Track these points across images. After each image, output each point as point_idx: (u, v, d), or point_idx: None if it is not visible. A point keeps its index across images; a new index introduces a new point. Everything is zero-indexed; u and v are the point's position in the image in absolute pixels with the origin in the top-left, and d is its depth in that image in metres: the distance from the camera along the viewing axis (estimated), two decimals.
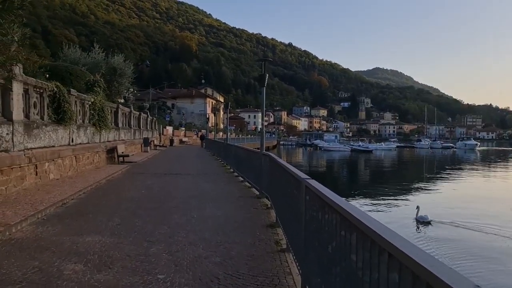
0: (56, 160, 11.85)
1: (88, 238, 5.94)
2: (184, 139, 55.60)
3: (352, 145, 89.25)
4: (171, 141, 47.69)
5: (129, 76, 26.19)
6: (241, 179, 13.81)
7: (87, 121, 15.59)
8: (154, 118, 39.99)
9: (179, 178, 14.06)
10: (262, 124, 10.39)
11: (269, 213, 8.07)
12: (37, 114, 10.97)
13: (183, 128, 59.12)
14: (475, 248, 12.39)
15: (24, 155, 9.75)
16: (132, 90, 29.29)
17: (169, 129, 50.63)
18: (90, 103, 15.69)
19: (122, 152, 19.77)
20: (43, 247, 5.46)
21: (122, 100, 29.02)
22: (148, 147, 29.98)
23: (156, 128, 41.25)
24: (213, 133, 50.83)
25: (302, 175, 4.17)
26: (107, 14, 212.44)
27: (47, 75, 13.80)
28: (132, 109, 25.86)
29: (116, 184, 12.22)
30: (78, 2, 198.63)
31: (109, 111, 19.16)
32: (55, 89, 11.82)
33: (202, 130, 62.50)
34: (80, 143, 14.42)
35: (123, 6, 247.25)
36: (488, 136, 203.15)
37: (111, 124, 19.66)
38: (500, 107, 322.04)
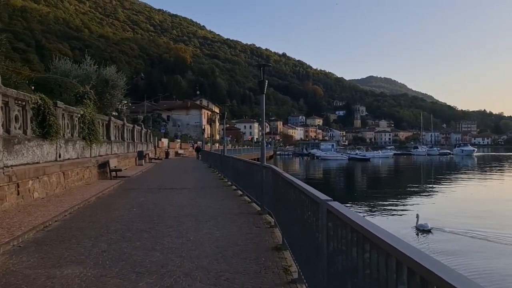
0: (41, 177, 11.02)
1: (67, 270, 5.12)
2: (180, 151, 54.77)
3: (349, 153, 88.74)
4: (167, 153, 46.86)
5: (122, 87, 25.43)
6: (240, 193, 13.02)
7: (77, 135, 14.78)
8: (149, 131, 39.19)
9: (174, 193, 13.24)
10: (263, 134, 9.62)
11: (273, 233, 7.28)
12: (19, 128, 10.17)
13: (179, 140, 58.28)
14: (478, 257, 12.10)
15: (4, 173, 8.93)
16: (125, 102, 28.53)
17: (164, 141, 49.80)
18: (79, 115, 14.90)
19: (115, 167, 18.93)
20: (11, 284, 4.64)
21: (116, 113, 28.28)
22: (143, 161, 29.15)
23: (151, 140, 40.42)
24: (209, 144, 50.05)
25: (321, 196, 3.39)
26: (101, 27, 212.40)
27: (33, 87, 13.01)
28: (126, 121, 25.08)
29: (106, 201, 11.38)
30: (72, 16, 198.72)
31: (100, 124, 18.36)
32: (40, 101, 11.04)
33: (198, 142, 61.64)
34: (68, 159, 13.60)
35: (117, 20, 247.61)
36: (483, 142, 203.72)
37: (103, 138, 18.86)
38: (494, 113, 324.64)
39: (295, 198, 4.83)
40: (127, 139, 25.54)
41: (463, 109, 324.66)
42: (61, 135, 12.76)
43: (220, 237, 6.95)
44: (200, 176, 20.54)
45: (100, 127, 18.29)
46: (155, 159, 39.87)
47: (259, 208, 9.75)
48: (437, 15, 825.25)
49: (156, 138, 45.33)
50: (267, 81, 9.28)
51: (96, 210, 9.94)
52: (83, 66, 25.00)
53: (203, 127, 63.79)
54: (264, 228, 7.69)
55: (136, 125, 29.35)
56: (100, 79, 24.01)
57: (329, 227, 3.07)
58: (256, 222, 8.26)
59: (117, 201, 11.46)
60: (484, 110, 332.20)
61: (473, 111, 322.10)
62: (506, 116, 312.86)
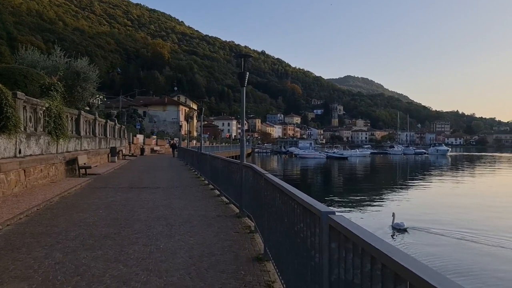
0: None
1: None
2: (156, 148, 53.40)
3: (327, 152, 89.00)
4: (142, 150, 45.51)
5: (94, 81, 24.14)
6: (218, 193, 12.26)
7: (41, 129, 13.68)
8: (123, 126, 37.82)
9: (147, 193, 12.36)
10: (243, 130, 8.87)
11: (253, 239, 6.56)
12: None
13: (155, 137, 56.82)
14: (452, 257, 12.17)
15: None
16: (98, 96, 27.27)
17: (140, 137, 48.36)
18: (44, 108, 13.79)
19: (84, 164, 17.83)
20: None
21: (87, 108, 27.00)
22: (116, 157, 27.96)
23: (125, 136, 39.07)
24: (186, 141, 48.90)
25: (321, 206, 2.68)
26: (76, 20, 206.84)
27: None
28: (97, 116, 23.87)
29: (70, 202, 10.41)
30: (45, 8, 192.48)
31: (69, 118, 17.23)
32: None
33: (175, 139, 60.30)
34: (31, 155, 12.51)
35: (93, 13, 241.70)
36: (456, 142, 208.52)
37: (72, 133, 17.73)
38: (466, 114, 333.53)
39: (282, 203, 4.12)
40: (99, 135, 24.34)
41: (437, 110, 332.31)
42: (22, 129, 11.68)
43: (194, 244, 6.19)
44: (176, 174, 19.63)
45: (69, 121, 17.17)
46: (130, 155, 38.57)
47: (237, 210, 9.03)
48: (412, 18, 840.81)
49: (131, 134, 43.91)
50: (248, 73, 8.55)
51: (57, 212, 8.99)
52: (52, 58, 23.63)
53: (180, 124, 62.39)
54: (243, 234, 6.96)
55: (109, 121, 28.11)
56: (71, 71, 22.71)
57: (332, 249, 2.36)
58: (235, 227, 7.53)
59: (83, 201, 10.51)
60: (457, 111, 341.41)
61: (447, 112, 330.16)
62: (478, 117, 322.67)
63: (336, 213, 2.47)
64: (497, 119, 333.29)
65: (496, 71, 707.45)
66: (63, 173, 15.55)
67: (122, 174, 19.07)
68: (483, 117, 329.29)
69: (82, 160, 17.59)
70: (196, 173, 19.77)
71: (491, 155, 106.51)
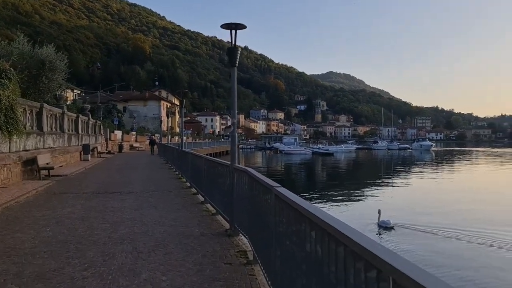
0: None
1: None
2: (135, 144, 50.93)
3: (313, 148, 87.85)
4: (120, 147, 43.02)
5: (63, 70, 21.70)
6: (202, 198, 10.27)
7: None
8: (99, 122, 35.28)
9: (116, 200, 10.25)
10: (234, 123, 6.80)
11: (253, 275, 4.61)
12: None
13: (134, 133, 54.22)
14: (440, 255, 12.06)
15: None
16: (66, 88, 24.86)
17: (118, 133, 45.78)
18: None
19: (47, 163, 15.55)
20: None
21: (56, 101, 24.50)
22: (89, 155, 25.58)
23: (101, 133, 36.55)
24: (167, 137, 46.55)
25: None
26: (53, 14, 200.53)
27: None
28: (66, 109, 21.50)
29: (13, 215, 8.22)
30: (21, 1, 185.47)
31: (28, 112, 14.91)
32: None
33: (156, 135, 57.72)
34: None
35: (71, 7, 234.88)
36: (437, 137, 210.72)
37: (32, 128, 15.41)
38: (445, 109, 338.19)
39: (296, 229, 2.21)
40: (68, 131, 21.98)
41: (418, 105, 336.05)
42: None
43: None
44: (154, 175, 17.49)
45: (27, 115, 14.85)
46: (107, 153, 36.12)
47: (227, 225, 7.06)
48: (392, 15, 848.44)
49: (108, 130, 41.40)
50: (240, 50, 6.57)
51: None
52: (14, 45, 21.08)
53: (161, 119, 59.78)
54: (238, 266, 4.99)
55: (81, 115, 25.68)
56: (35, 59, 20.23)
57: None
58: (225, 253, 5.54)
59: (31, 214, 8.35)
60: (437, 106, 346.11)
61: (427, 107, 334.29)
62: (456, 112, 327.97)
63: None
64: (474, 114, 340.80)
65: (474, 68, 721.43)
66: (18, 175, 13.28)
67: (92, 175, 16.84)
68: (462, 112, 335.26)
69: (44, 159, 15.30)
70: (177, 173, 17.69)
71: (470, 150, 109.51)
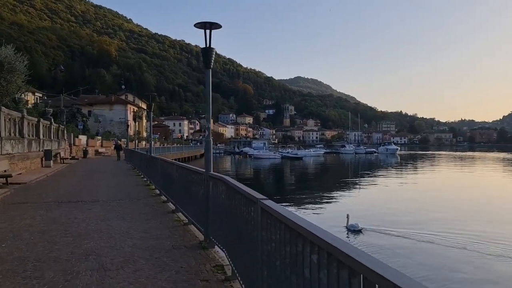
0: None
1: None
2: (101, 149, 49.33)
3: (282, 152, 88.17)
4: (85, 152, 41.50)
5: (23, 72, 20.57)
6: (172, 207, 9.79)
7: None
8: (62, 126, 33.85)
9: (80, 209, 9.61)
10: (208, 128, 6.39)
11: None
12: None
13: (100, 137, 52.55)
14: (407, 257, 12.34)
15: None
16: (25, 91, 23.72)
17: (83, 138, 44.20)
18: None
19: (5, 171, 14.56)
20: None
21: (26, 108, 23.24)
22: (51, 161, 24.38)
23: (65, 138, 35.10)
24: (134, 142, 45.34)
25: None
26: (14, 15, 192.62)
27: None
28: (26, 113, 20.38)
29: None
30: None
31: None
32: None
33: (122, 139, 56.15)
34: None
35: (33, 7, 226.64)
36: (401, 141, 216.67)
37: None
38: (409, 114, 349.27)
39: (301, 253, 1.88)
40: (29, 136, 20.83)
41: (383, 110, 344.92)
42: None
43: None
44: (121, 182, 16.76)
45: None
46: (71, 158, 34.73)
47: (201, 237, 6.65)
48: (356, 21, 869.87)
49: (72, 135, 39.85)
50: (215, 50, 6.22)
51: None
52: None
53: (128, 124, 58.23)
54: (215, 283, 4.60)
55: (42, 119, 24.45)
56: None
57: None
58: (201, 268, 5.14)
59: None
60: (401, 111, 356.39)
61: (392, 112, 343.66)
62: (419, 117, 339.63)
63: None
64: (436, 119, 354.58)
65: (435, 74, 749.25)
66: None
67: (55, 183, 15.94)
68: (424, 117, 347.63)
69: (1, 166, 14.32)
70: (145, 179, 17.03)
71: (433, 153, 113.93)
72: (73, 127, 44.28)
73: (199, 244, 6.33)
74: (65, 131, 35.27)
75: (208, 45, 6.17)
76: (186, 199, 8.19)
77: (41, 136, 23.87)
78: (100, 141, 50.81)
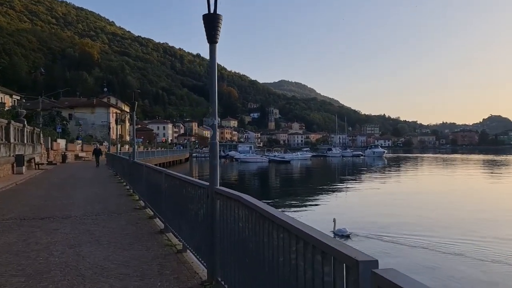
0: None
1: None
2: (81, 154, 47.00)
3: (268, 155, 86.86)
4: (64, 157, 39.21)
5: None
6: (160, 223, 8.01)
7: None
8: (37, 129, 31.55)
9: (45, 230, 7.71)
10: (214, 125, 4.63)
11: None
12: None
13: (80, 141, 50.11)
14: (400, 263, 11.54)
15: None
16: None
17: (61, 142, 41.82)
18: None
19: None
20: None
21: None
22: (24, 167, 22.25)
23: (41, 141, 32.79)
24: (116, 146, 43.14)
25: None
26: None
27: None
28: None
29: None
30: None
31: None
32: None
33: (104, 143, 53.72)
34: None
35: (13, 9, 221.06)
36: (385, 144, 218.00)
37: None
38: (392, 117, 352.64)
39: None
40: None
41: (366, 113, 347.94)
42: None
43: None
44: (100, 191, 14.78)
45: None
46: (48, 164, 32.44)
47: (203, 273, 4.89)
48: (339, 25, 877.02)
49: (50, 138, 37.52)
50: (222, 18, 4.51)
51: None
52: None
53: (110, 127, 55.88)
54: None
55: (13, 122, 22.29)
56: None
57: None
58: None
59: None
60: (384, 114, 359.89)
61: (375, 115, 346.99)
62: (402, 120, 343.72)
63: None
64: (419, 122, 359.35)
65: (418, 77, 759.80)
66: None
67: (23, 193, 13.93)
68: (407, 120, 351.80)
69: None
70: (128, 187, 15.14)
71: (417, 156, 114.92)
72: (50, 130, 41.87)
73: (201, 286, 4.57)
74: (41, 135, 32.95)
75: (213, 10, 4.44)
76: (179, 217, 6.39)
77: (12, 140, 21.69)
78: (80, 145, 48.43)
